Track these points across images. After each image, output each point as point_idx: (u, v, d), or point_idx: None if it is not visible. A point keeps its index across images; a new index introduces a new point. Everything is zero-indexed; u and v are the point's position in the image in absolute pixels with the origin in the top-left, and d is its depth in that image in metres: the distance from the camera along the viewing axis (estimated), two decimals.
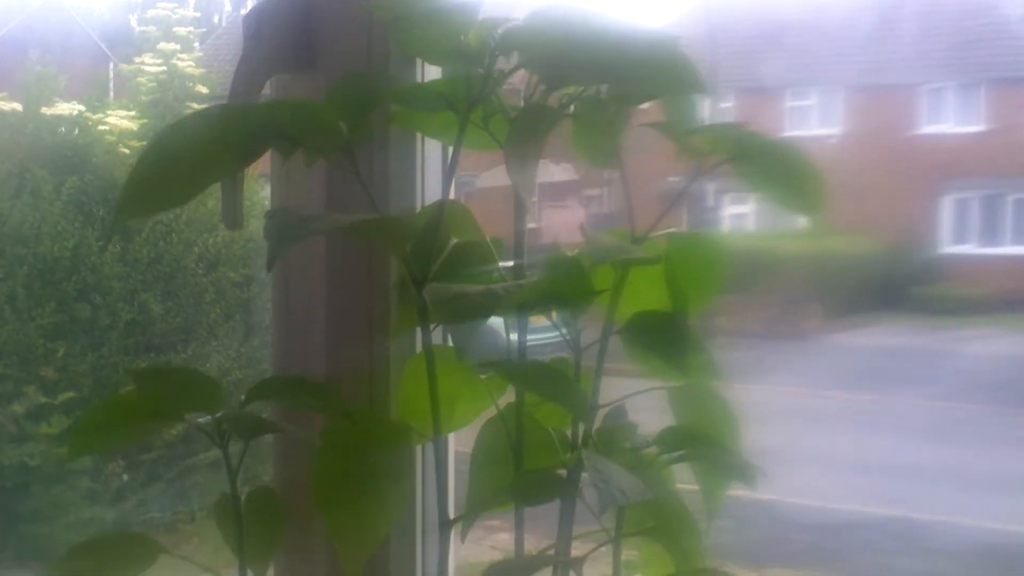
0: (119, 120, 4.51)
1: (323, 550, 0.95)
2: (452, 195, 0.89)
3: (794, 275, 7.74)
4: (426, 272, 0.81)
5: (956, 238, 8.93)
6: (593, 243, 0.76)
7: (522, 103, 0.80)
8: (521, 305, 0.86)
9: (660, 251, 0.80)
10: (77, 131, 4.57)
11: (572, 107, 0.81)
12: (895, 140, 8.76)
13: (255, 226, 4.68)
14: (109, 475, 4.24)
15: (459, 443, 0.95)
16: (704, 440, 0.77)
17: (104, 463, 4.19)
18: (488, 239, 0.88)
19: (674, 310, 0.85)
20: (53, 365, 4.24)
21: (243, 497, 0.88)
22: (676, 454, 0.79)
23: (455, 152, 0.85)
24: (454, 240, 0.86)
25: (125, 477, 4.19)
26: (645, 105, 0.80)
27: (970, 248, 8.87)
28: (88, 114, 4.51)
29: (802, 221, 9.03)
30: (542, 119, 0.78)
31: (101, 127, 4.46)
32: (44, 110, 4.47)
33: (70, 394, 4.15)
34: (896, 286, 8.12)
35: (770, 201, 0.81)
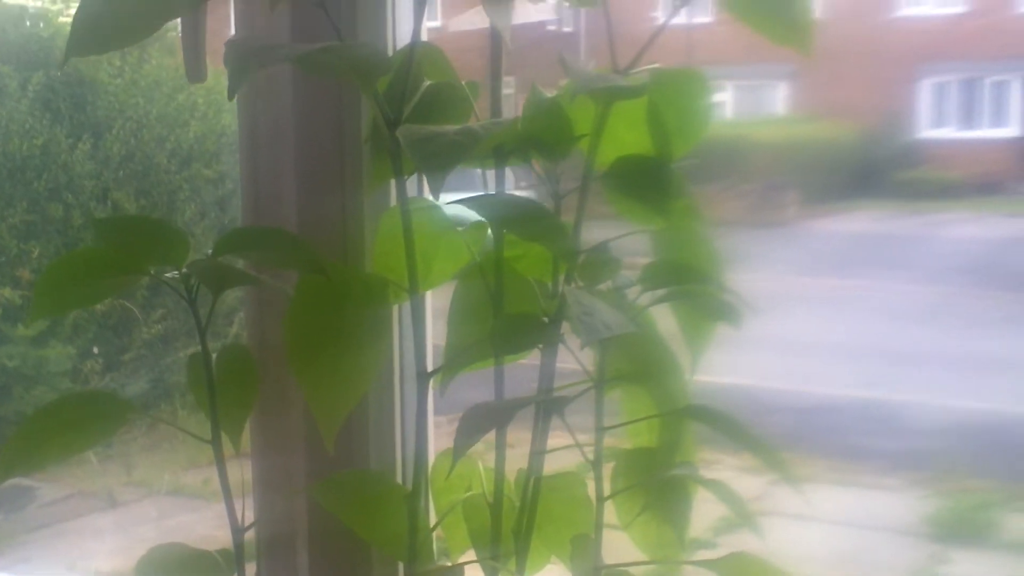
0: None
1: (299, 411, 0.93)
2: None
3: (771, 162, 7.71)
4: (399, 113, 0.77)
5: (934, 122, 8.89)
6: (574, 73, 0.73)
7: None
8: (499, 150, 0.83)
9: (643, 85, 0.76)
10: (42, 24, 4.46)
11: None
12: (874, 22, 8.65)
13: (227, 120, 4.61)
14: (88, 374, 4.22)
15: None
16: (688, 274, 0.75)
17: (82, 362, 4.18)
18: (463, 83, 0.84)
19: (657, 153, 0.82)
20: (29, 266, 4.20)
21: (215, 356, 0.86)
22: (660, 292, 0.77)
23: None
24: (427, 82, 0.82)
25: (104, 368, 4.17)
26: None
27: (948, 132, 8.83)
28: (49, 5, 4.39)
29: (780, 105, 8.96)
30: None
31: (62, 19, 4.34)
32: (5, 0, 4.35)
33: None
34: (874, 171, 8.10)
35: (756, 32, 0.78)
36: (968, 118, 8.81)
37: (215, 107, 4.52)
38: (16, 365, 4.06)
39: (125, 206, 4.33)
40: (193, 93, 4.49)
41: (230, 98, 0.64)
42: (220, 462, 0.84)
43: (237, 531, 0.85)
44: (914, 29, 8.75)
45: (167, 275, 0.80)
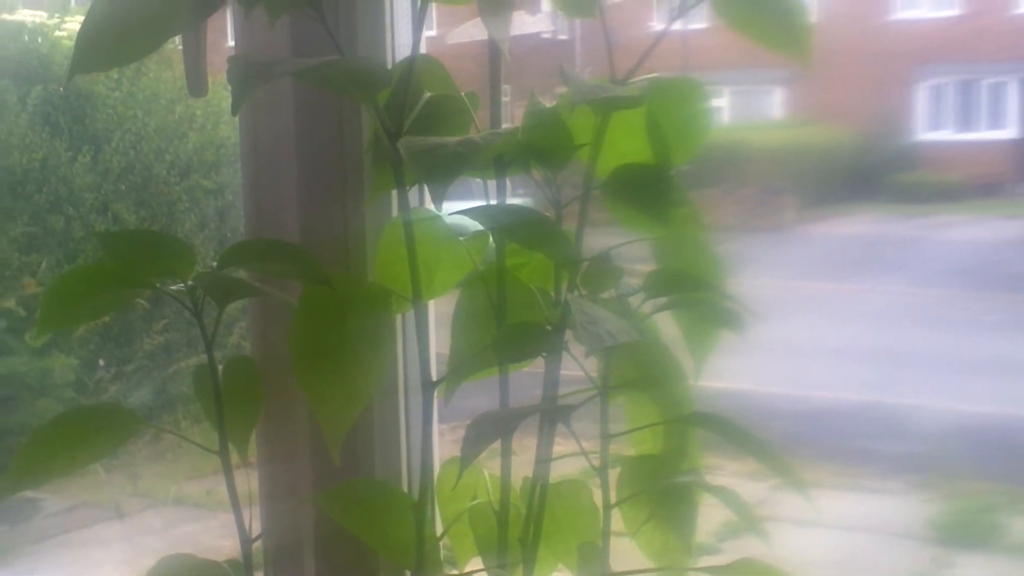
0: (78, 26, 4.39)
1: (305, 421, 0.94)
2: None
3: (769, 166, 7.72)
4: (400, 126, 0.78)
5: (931, 124, 8.91)
6: (573, 84, 0.73)
7: None
8: (499, 160, 0.84)
9: (642, 95, 0.77)
10: (40, 39, 4.47)
11: None
12: (869, 26, 8.67)
13: (225, 131, 4.62)
14: (94, 387, 4.23)
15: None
16: (691, 282, 0.75)
17: (89, 374, 4.18)
18: (463, 94, 0.85)
19: (656, 161, 0.83)
20: (37, 278, 4.20)
21: (221, 367, 0.86)
22: (662, 300, 0.77)
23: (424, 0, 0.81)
24: (427, 94, 0.83)
25: (108, 379, 4.18)
26: None
27: (945, 134, 8.85)
28: (47, 21, 4.40)
29: (776, 110, 8.98)
30: None
31: (59, 33, 4.35)
32: (4, 16, 4.36)
33: None
34: (872, 174, 8.11)
35: (752, 41, 0.78)
36: (965, 120, 8.83)
37: (213, 119, 4.53)
38: (21, 376, 4.07)
39: (125, 218, 4.34)
40: (191, 105, 4.50)
41: (234, 114, 0.65)
42: (228, 473, 0.85)
43: (245, 541, 0.85)
44: (910, 32, 8.77)
45: (173, 288, 0.81)
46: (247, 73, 0.65)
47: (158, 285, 0.80)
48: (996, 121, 8.76)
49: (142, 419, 0.83)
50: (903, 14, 8.88)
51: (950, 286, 6.59)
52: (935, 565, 3.35)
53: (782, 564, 0.79)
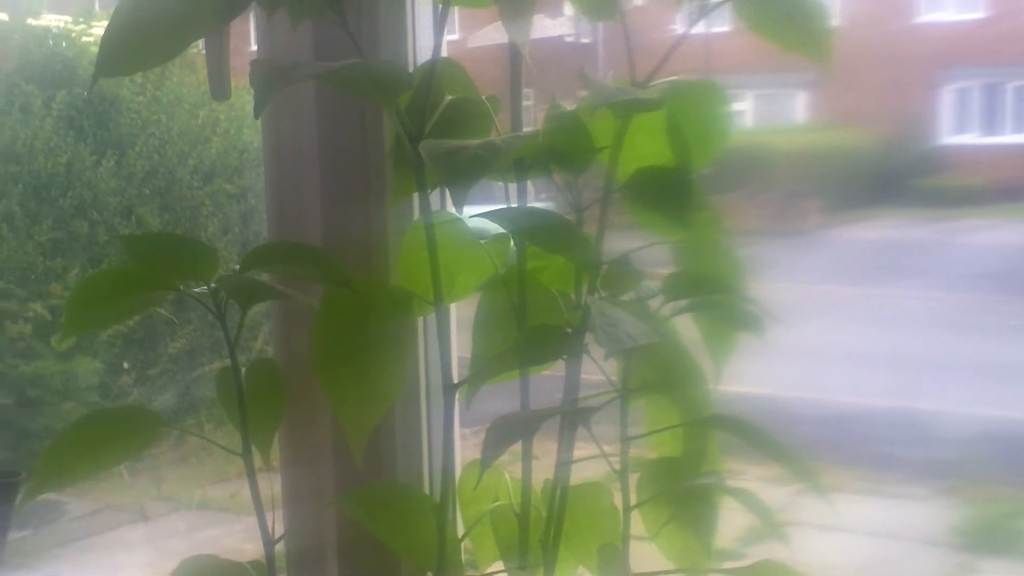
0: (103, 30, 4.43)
1: (328, 423, 0.94)
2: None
3: (793, 170, 7.69)
4: (421, 129, 0.78)
5: (957, 128, 8.86)
6: (594, 87, 0.73)
7: None
8: (520, 163, 0.84)
9: (662, 98, 0.77)
10: (65, 44, 4.51)
11: None
12: (893, 29, 8.64)
13: (248, 136, 4.64)
14: (118, 391, 4.25)
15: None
16: (711, 284, 0.75)
17: (113, 378, 4.21)
18: (484, 97, 0.85)
19: (677, 164, 0.83)
20: (64, 282, 4.23)
21: (244, 370, 0.87)
22: (682, 303, 0.77)
23: (446, 4, 0.82)
24: (448, 97, 0.83)
25: (132, 382, 4.20)
26: None
27: (971, 138, 8.80)
28: (71, 26, 4.44)
29: (800, 114, 8.95)
30: None
31: (86, 39, 4.38)
32: (30, 21, 4.39)
33: None
34: (896, 178, 8.07)
35: (774, 44, 0.79)
36: (990, 124, 8.78)
37: (236, 123, 4.55)
38: (46, 379, 4.10)
39: (149, 222, 4.36)
40: (215, 109, 4.52)
41: (256, 117, 0.65)
42: (251, 475, 0.85)
43: (268, 543, 0.86)
44: (934, 35, 8.73)
45: (196, 290, 0.81)
46: (269, 76, 0.66)
47: (181, 288, 0.81)
48: (1021, 125, 8.70)
49: (166, 421, 0.84)
50: (927, 17, 8.85)
51: (974, 290, 6.56)
52: (959, 571, 3.33)
53: (805, 568, 0.79)
